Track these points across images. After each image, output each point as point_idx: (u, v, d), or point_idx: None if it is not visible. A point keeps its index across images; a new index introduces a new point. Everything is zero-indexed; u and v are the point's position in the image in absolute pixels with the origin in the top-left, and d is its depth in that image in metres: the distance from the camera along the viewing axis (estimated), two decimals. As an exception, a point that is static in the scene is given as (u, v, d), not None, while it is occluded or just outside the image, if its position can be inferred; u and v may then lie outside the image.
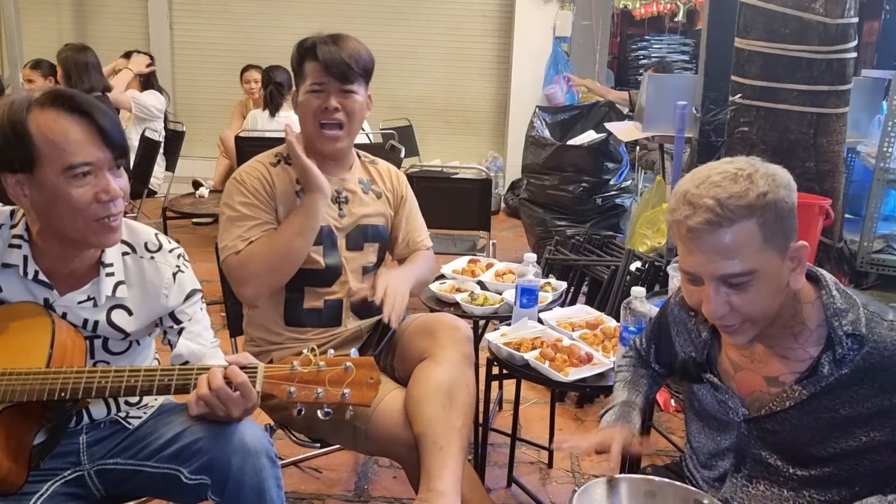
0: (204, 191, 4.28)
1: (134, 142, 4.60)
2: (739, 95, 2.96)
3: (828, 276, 1.25)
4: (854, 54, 3.01)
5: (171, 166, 4.83)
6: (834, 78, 2.93)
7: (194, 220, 5.14)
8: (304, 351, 1.34)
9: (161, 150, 4.73)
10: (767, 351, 1.27)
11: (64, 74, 4.14)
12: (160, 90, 4.91)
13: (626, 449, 1.36)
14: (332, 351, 1.37)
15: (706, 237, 1.13)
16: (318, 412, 1.32)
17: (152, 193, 4.63)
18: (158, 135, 4.54)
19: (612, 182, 4.29)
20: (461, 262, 2.53)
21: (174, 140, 4.84)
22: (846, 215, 3.68)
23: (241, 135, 4.55)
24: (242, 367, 1.34)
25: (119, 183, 1.34)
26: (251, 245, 1.80)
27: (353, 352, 1.40)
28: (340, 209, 1.93)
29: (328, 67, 1.82)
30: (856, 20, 2.98)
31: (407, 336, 1.89)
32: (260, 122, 4.73)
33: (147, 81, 4.85)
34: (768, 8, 2.89)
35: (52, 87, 1.34)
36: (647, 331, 1.59)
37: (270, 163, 1.91)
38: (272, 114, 4.71)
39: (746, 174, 1.13)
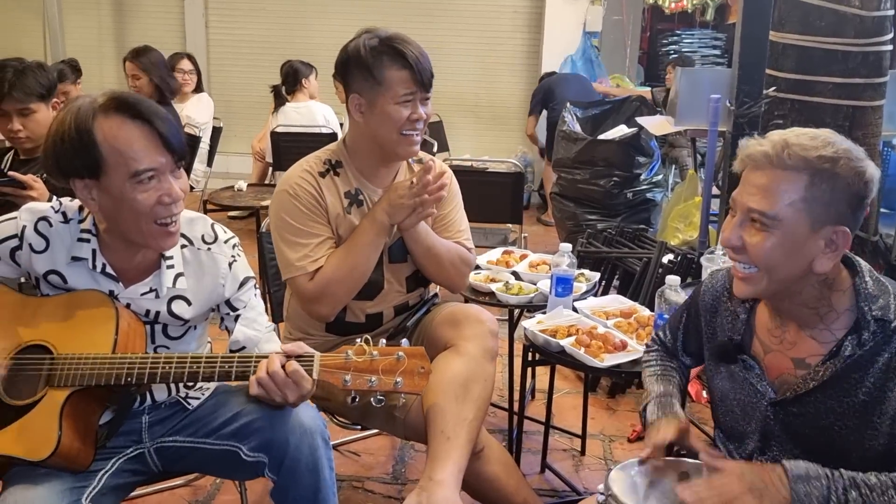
0: (242, 184, 4.37)
1: None
2: (774, 88, 2.96)
3: (863, 264, 1.28)
4: (890, 47, 2.98)
5: (209, 162, 4.95)
6: (870, 70, 2.91)
7: (230, 214, 5.25)
8: (358, 340, 1.39)
9: (207, 150, 4.84)
10: (796, 332, 1.29)
11: (150, 79, 4.03)
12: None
13: (680, 441, 1.38)
14: (383, 341, 1.41)
15: (757, 170, 1.20)
16: (371, 399, 1.36)
17: (190, 189, 4.73)
18: (199, 131, 4.63)
19: (643, 176, 4.29)
20: (495, 253, 2.58)
21: (213, 137, 4.94)
22: (882, 209, 3.65)
23: (278, 130, 4.67)
24: (299, 357, 1.39)
25: (179, 184, 1.41)
26: (326, 268, 1.80)
27: (404, 342, 1.44)
28: None
29: (419, 76, 1.76)
30: (892, 13, 2.96)
31: (434, 325, 1.91)
32: (270, 121, 4.92)
33: (198, 86, 4.96)
34: (803, 1, 2.89)
35: (114, 93, 1.38)
36: (672, 322, 1.60)
37: (319, 172, 1.86)
38: (275, 108, 4.93)
39: (829, 141, 1.18)
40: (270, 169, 5.09)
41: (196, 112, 4.77)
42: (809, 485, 1.16)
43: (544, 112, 5.71)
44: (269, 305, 2.14)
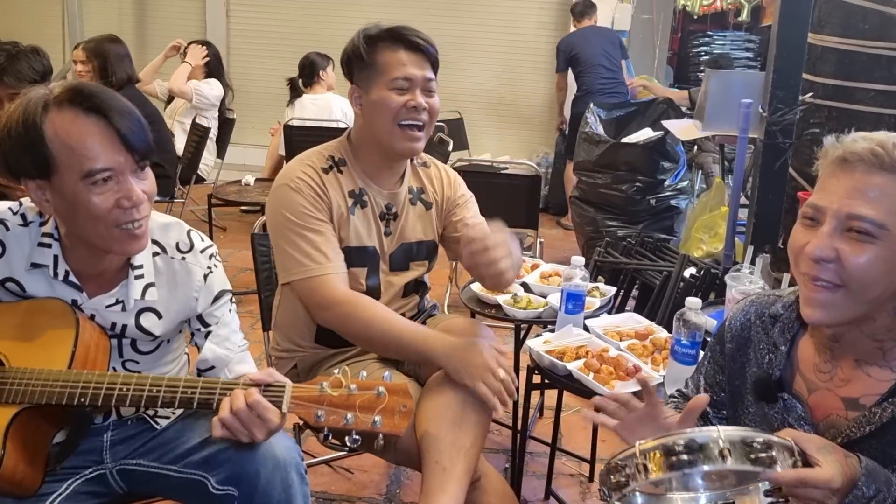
0: (249, 178, 4.27)
1: (186, 126, 4.64)
2: (810, 95, 2.78)
3: None
4: (939, 53, 2.79)
5: (220, 153, 4.87)
6: (916, 78, 2.73)
7: (242, 208, 5.17)
8: (336, 371, 1.27)
9: (214, 138, 4.77)
10: (851, 368, 1.13)
11: (100, 66, 3.99)
12: (226, 86, 4.91)
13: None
14: (363, 373, 1.29)
15: (857, 171, 1.05)
16: (346, 438, 1.25)
17: (201, 180, 4.66)
18: (208, 121, 4.56)
19: (667, 182, 4.11)
20: (505, 261, 2.43)
21: (225, 127, 4.88)
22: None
23: (293, 123, 4.57)
24: (269, 385, 1.26)
25: (143, 186, 1.26)
26: (365, 311, 1.65)
27: (386, 375, 1.31)
28: (388, 226, 1.80)
29: (415, 59, 1.67)
30: (942, 16, 2.76)
31: None
32: (287, 112, 4.86)
33: (211, 71, 4.88)
34: (846, 1, 2.70)
35: (72, 83, 1.26)
36: (694, 373, 1.42)
37: (322, 168, 1.74)
38: (290, 101, 4.88)
39: None
40: (285, 162, 4.99)
41: (205, 88, 4.73)
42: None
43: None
44: (260, 311, 2.03)
